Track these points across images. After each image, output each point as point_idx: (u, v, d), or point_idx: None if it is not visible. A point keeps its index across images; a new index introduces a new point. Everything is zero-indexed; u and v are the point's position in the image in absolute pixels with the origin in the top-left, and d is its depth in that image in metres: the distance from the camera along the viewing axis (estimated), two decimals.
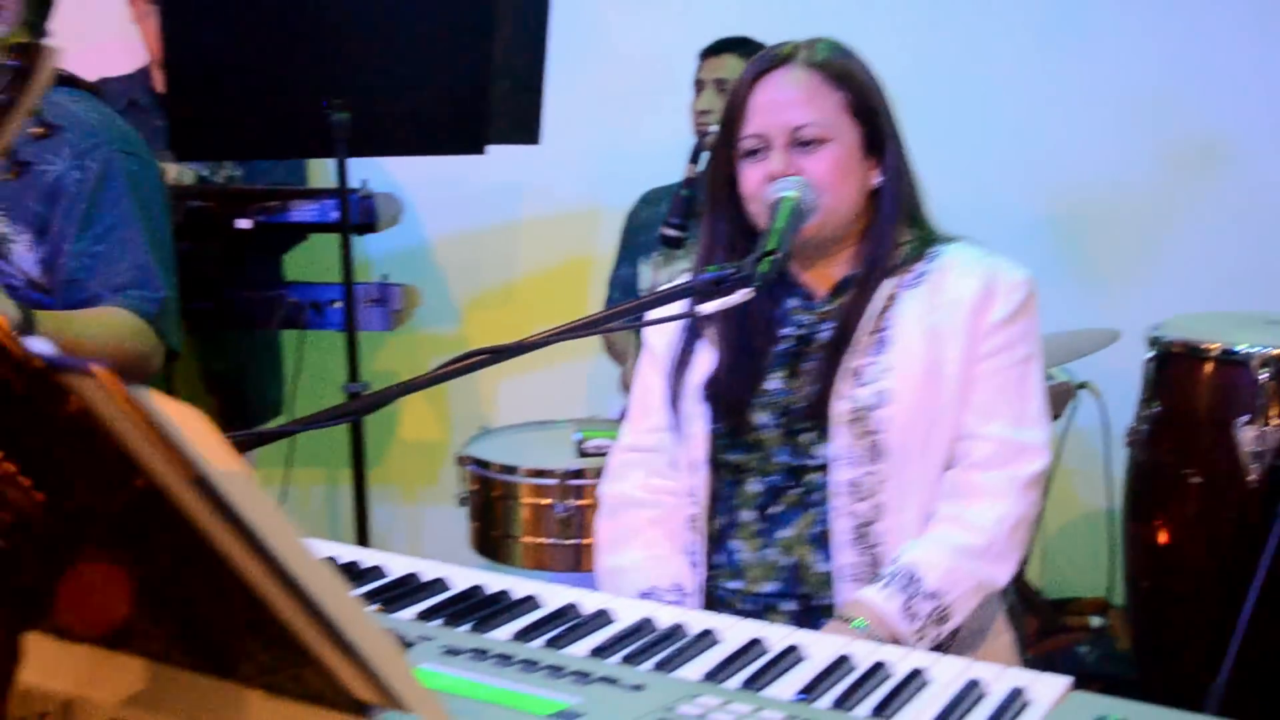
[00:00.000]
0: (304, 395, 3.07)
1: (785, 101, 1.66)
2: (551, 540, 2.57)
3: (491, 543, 2.66)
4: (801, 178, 1.60)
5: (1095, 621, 3.24)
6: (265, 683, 0.99)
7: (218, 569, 0.84)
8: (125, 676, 1.07)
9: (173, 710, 1.04)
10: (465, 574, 1.39)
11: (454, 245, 3.74)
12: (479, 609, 1.30)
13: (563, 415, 3.01)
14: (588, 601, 1.32)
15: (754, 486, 1.72)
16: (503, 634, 1.23)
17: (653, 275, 3.12)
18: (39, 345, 0.73)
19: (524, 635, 1.23)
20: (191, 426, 0.74)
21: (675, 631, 1.25)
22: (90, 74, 3.16)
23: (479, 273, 3.77)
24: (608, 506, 1.83)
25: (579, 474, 2.54)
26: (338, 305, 2.82)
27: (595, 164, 3.60)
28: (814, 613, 1.67)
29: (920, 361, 1.64)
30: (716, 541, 1.75)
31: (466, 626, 1.25)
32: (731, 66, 3.00)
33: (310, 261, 3.35)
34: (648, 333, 1.83)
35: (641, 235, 3.17)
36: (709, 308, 1.40)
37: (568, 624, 1.26)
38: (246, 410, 3.14)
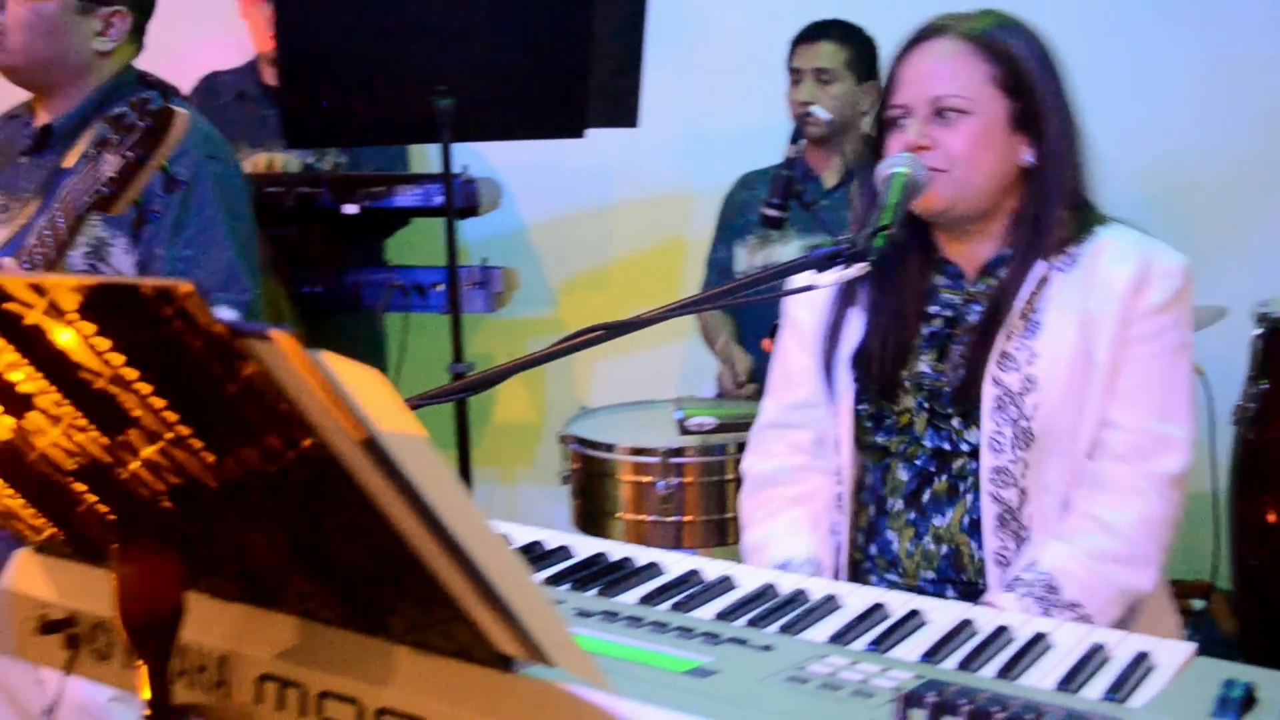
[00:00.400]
0: (407, 377, 3.13)
1: (929, 72, 1.64)
2: (653, 517, 2.61)
3: (593, 520, 2.70)
4: (910, 154, 1.61)
5: (1197, 604, 3.20)
6: (413, 638, 1.04)
7: (377, 527, 0.89)
8: (277, 633, 1.13)
9: (323, 665, 1.09)
10: (588, 542, 1.44)
11: (548, 229, 3.79)
12: (604, 575, 1.34)
13: (658, 397, 3.04)
14: (709, 568, 1.35)
15: (902, 473, 1.71)
16: (629, 598, 1.27)
17: (748, 258, 3.14)
18: (223, 312, 0.78)
19: (650, 599, 1.26)
20: (368, 388, 0.78)
21: (798, 597, 1.28)
22: (201, 68, 3.28)
23: (573, 256, 3.82)
24: (751, 482, 1.85)
25: (680, 452, 2.57)
26: (440, 288, 2.89)
27: (687, 147, 3.63)
28: (976, 596, 1.65)
29: (1070, 347, 1.61)
30: (870, 533, 1.74)
31: (593, 591, 1.29)
32: (829, 54, 3.00)
33: (409, 246, 3.43)
34: (790, 306, 1.83)
35: (738, 218, 3.19)
36: (827, 280, 1.42)
37: (691, 589, 1.29)
38: None
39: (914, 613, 1.22)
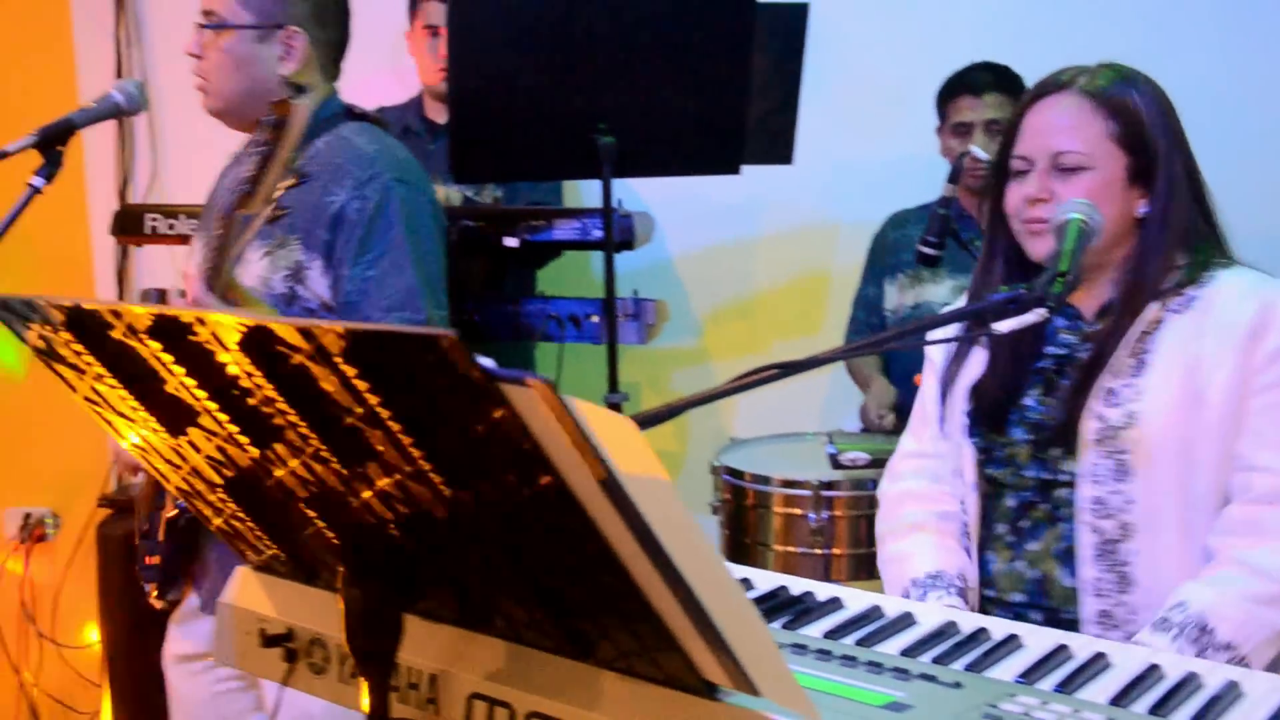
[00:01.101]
0: None
1: (1052, 127, 1.71)
2: (802, 549, 2.64)
3: (743, 550, 2.74)
4: (1086, 200, 1.63)
5: None
6: (622, 665, 1.09)
7: (603, 561, 0.94)
8: (486, 655, 1.20)
9: (530, 687, 1.15)
10: (767, 575, 1.48)
11: (694, 260, 3.85)
12: (787, 608, 1.38)
13: (800, 428, 3.07)
14: (889, 605, 1.39)
15: (1009, 501, 1.77)
16: (814, 631, 1.31)
17: (899, 296, 3.16)
18: (482, 360, 0.85)
19: (835, 634, 1.30)
20: (617, 433, 0.84)
21: (980, 634, 1.31)
22: (367, 103, 3.41)
23: (718, 287, 3.86)
24: (889, 500, 1.92)
25: (832, 485, 2.60)
26: (595, 319, 2.95)
27: (834, 180, 3.65)
28: (1060, 625, 1.67)
29: (1177, 386, 1.64)
30: (977, 551, 1.80)
31: (779, 623, 1.33)
32: (998, 105, 2.99)
33: (556, 275, 3.52)
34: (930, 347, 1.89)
35: (888, 256, 3.21)
36: (1003, 327, 1.45)
37: (874, 625, 1.33)
38: None
39: (1099, 655, 1.24)
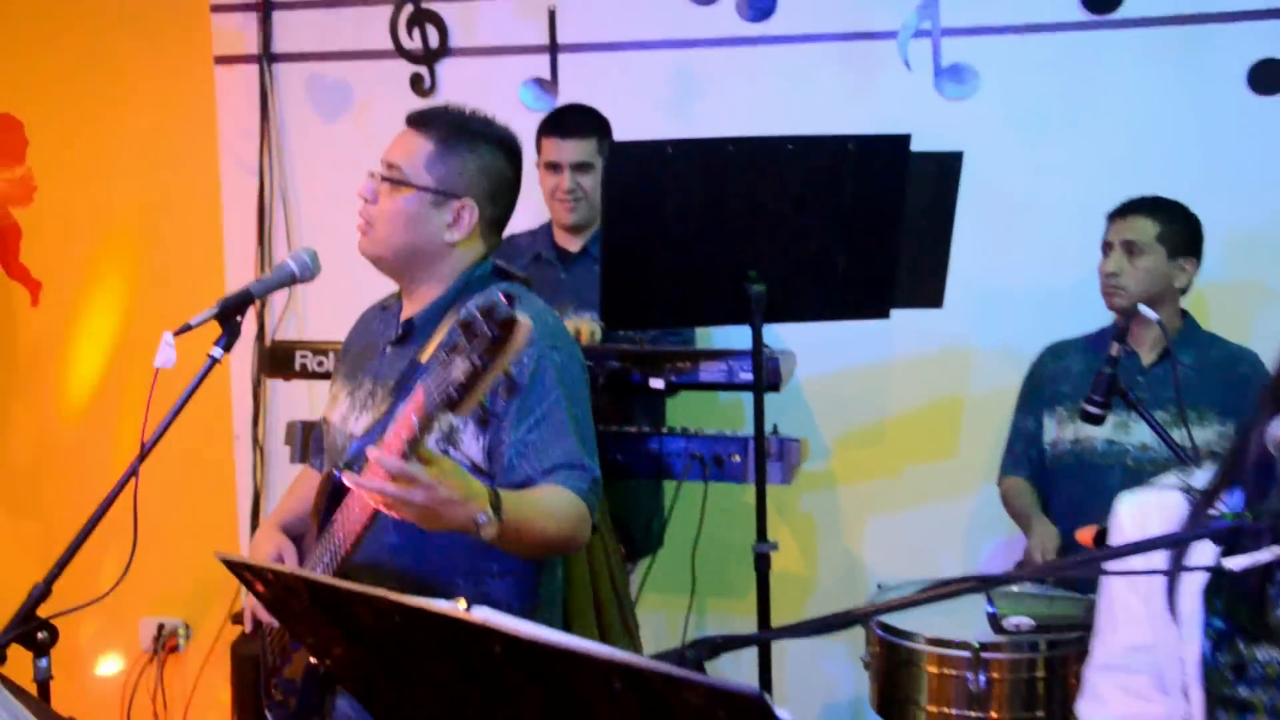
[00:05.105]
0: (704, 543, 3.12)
1: None
2: (959, 711, 2.56)
3: (895, 707, 2.67)
4: None
5: None
6: None
7: None
8: None
9: None
10: None
11: (823, 383, 3.80)
12: None
13: (934, 556, 2.98)
14: None
15: None
16: None
17: (1057, 430, 3.10)
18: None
19: None
20: None
21: None
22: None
23: (848, 411, 3.82)
24: None
25: (992, 647, 2.52)
26: (737, 459, 2.92)
27: (970, 304, 3.60)
28: None
29: None
30: None
31: None
32: (1140, 228, 2.97)
33: (682, 401, 3.48)
34: (1116, 540, 1.80)
35: (1047, 388, 3.16)
36: (1235, 564, 1.38)
37: None
38: (638, 548, 3.31)
39: None
